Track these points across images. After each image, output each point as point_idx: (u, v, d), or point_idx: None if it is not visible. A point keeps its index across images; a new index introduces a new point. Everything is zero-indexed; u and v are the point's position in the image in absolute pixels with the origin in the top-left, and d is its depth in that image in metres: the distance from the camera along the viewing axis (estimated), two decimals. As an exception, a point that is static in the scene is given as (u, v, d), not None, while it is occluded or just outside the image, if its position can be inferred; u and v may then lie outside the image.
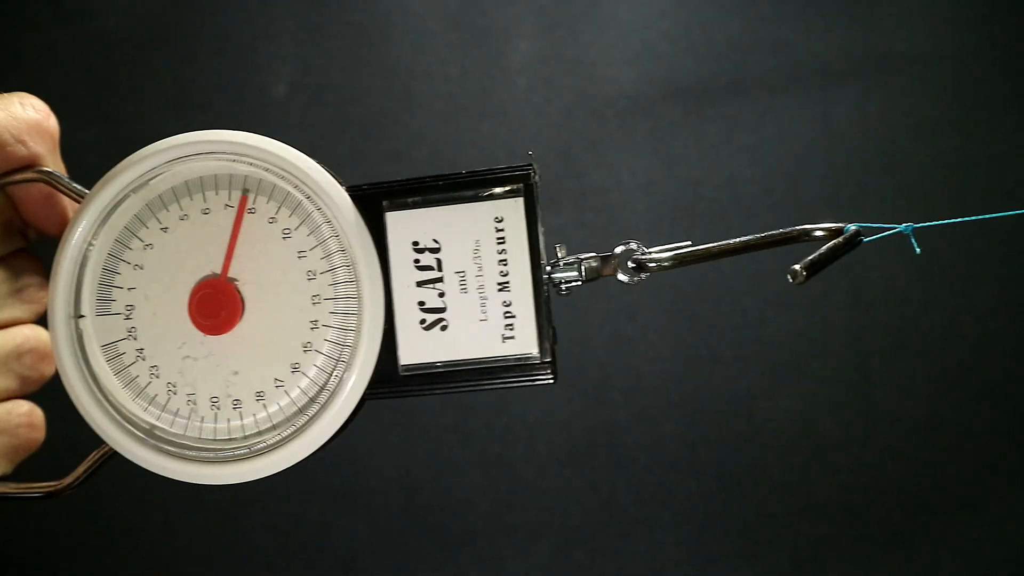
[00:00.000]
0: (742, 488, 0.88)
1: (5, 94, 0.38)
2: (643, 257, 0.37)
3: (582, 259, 0.37)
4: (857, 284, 0.88)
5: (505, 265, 0.36)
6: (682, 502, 0.88)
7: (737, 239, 0.36)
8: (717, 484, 0.88)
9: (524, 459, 0.89)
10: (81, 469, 0.38)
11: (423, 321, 0.37)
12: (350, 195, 0.37)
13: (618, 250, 0.37)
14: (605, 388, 0.89)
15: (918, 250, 0.35)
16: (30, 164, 0.37)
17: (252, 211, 0.37)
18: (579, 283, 0.37)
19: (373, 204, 0.37)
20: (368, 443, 0.89)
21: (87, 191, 0.37)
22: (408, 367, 0.37)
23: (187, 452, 0.37)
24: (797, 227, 0.36)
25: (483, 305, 0.36)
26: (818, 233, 0.35)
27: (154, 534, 0.90)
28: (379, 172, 0.91)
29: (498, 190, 0.37)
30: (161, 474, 0.37)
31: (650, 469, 0.89)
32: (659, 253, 0.37)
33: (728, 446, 0.88)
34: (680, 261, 0.37)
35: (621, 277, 0.37)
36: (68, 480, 0.38)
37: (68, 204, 0.39)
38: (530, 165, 0.36)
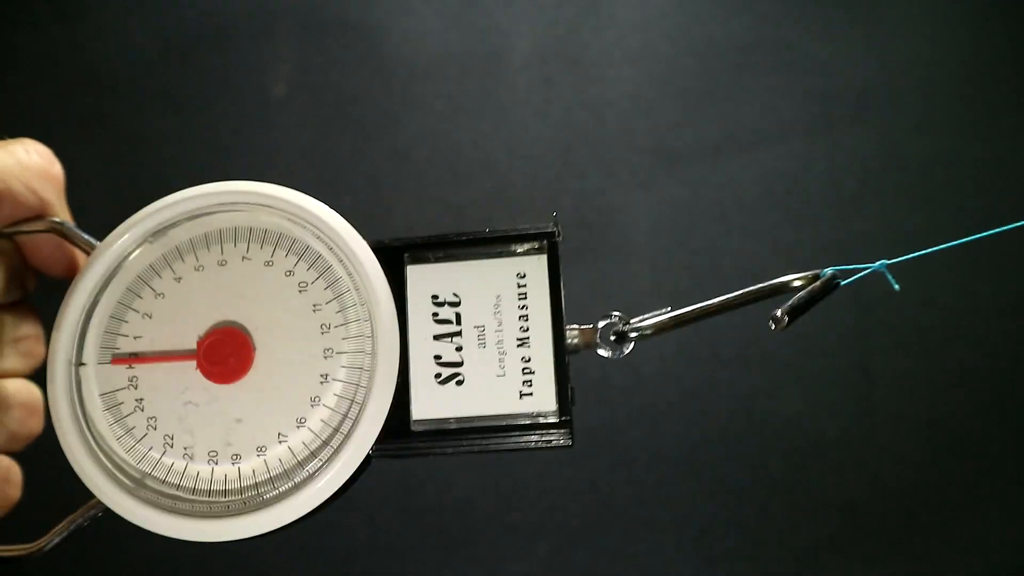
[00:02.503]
0: (742, 488, 0.88)
1: (6, 141, 0.36)
2: (625, 328, 0.37)
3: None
4: (857, 284, 0.88)
5: (526, 320, 0.36)
6: (682, 502, 0.88)
7: (717, 299, 0.37)
8: (717, 484, 0.88)
9: (524, 459, 0.89)
10: (56, 531, 0.36)
11: (438, 375, 0.36)
12: (372, 248, 0.36)
13: (601, 324, 0.37)
14: (605, 388, 0.89)
15: (896, 286, 0.36)
16: (40, 213, 0.37)
17: (269, 264, 0.37)
18: None
19: (394, 257, 0.36)
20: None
21: (97, 243, 0.36)
22: (420, 422, 0.36)
23: (180, 505, 0.36)
24: (774, 280, 0.37)
25: (501, 360, 0.36)
26: (796, 283, 0.37)
27: (152, 533, 0.90)
28: (378, 172, 0.90)
29: (521, 248, 0.36)
30: (151, 530, 0.35)
31: (650, 469, 0.89)
32: (640, 322, 0.37)
33: (728, 446, 0.88)
34: (660, 329, 0.37)
35: (602, 352, 0.37)
36: (41, 543, 0.36)
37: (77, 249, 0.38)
38: (555, 224, 0.36)
